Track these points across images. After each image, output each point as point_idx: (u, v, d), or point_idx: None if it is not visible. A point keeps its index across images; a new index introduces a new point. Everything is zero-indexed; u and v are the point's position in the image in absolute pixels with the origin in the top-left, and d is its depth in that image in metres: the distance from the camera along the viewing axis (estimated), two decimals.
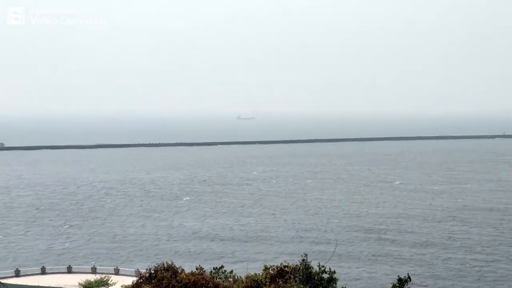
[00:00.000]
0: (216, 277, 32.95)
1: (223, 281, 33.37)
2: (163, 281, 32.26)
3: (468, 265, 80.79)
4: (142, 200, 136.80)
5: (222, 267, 34.15)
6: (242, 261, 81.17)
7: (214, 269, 33.96)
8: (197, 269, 33.80)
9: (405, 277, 23.64)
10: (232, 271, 34.07)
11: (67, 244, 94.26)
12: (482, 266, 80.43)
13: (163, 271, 33.33)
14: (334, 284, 27.77)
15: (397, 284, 23.48)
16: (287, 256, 78.82)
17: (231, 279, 33.53)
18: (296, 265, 28.36)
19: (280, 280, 28.43)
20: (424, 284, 73.73)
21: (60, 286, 63.10)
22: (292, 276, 28.34)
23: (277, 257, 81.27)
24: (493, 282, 74.46)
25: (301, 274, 27.81)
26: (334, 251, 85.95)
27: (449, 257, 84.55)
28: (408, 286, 23.47)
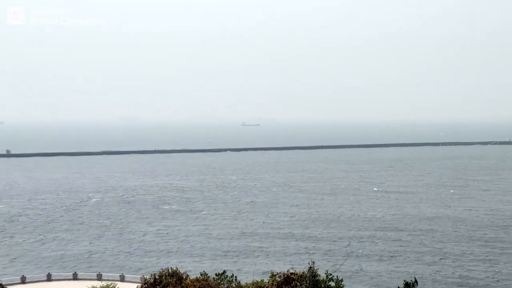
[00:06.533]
0: (220, 283, 32.94)
1: (227, 287, 33.35)
2: (168, 287, 32.22)
3: (472, 269, 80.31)
4: (148, 206, 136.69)
5: (224, 272, 34.14)
6: (248, 268, 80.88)
7: (216, 275, 33.94)
8: (201, 275, 33.76)
9: (411, 281, 23.61)
10: (233, 275, 34.03)
11: (73, 250, 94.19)
12: (486, 272, 79.96)
13: (168, 277, 33.27)
14: None
15: None
16: (295, 264, 78.70)
17: (234, 285, 33.53)
18: (303, 273, 28.32)
19: (286, 287, 28.40)
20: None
21: None
22: (298, 284, 28.30)
23: (284, 264, 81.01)
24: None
25: (307, 281, 27.76)
26: (345, 259, 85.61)
27: (455, 264, 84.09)
28: None
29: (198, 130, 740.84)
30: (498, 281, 76.57)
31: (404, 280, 23.70)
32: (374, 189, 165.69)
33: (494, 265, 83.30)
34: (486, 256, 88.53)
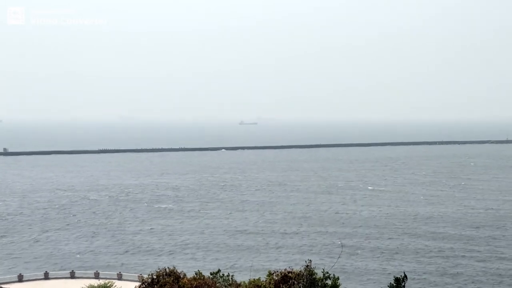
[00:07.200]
0: (216, 282, 32.82)
1: (225, 286, 33.22)
2: (165, 287, 32.12)
3: (464, 265, 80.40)
4: (144, 205, 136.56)
5: (219, 271, 34.00)
6: (244, 266, 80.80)
7: (211, 274, 33.81)
8: (196, 274, 33.62)
9: (401, 276, 23.52)
10: (229, 274, 33.92)
11: (70, 249, 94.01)
12: (481, 267, 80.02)
13: (165, 276, 33.19)
14: None
15: (394, 284, 23.32)
16: (291, 262, 78.46)
17: (230, 283, 33.41)
18: (300, 271, 28.18)
19: (283, 286, 28.26)
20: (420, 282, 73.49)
21: None
22: (295, 282, 28.17)
23: (278, 263, 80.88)
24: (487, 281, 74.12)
25: (304, 280, 27.63)
26: (339, 256, 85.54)
27: (452, 262, 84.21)
28: (404, 284, 23.30)
29: (196, 129, 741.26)
30: (488, 278, 76.64)
31: (394, 276, 23.58)
32: (369, 188, 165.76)
33: (486, 263, 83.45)
34: (480, 253, 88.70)
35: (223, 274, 33.37)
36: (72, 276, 70.37)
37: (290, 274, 28.55)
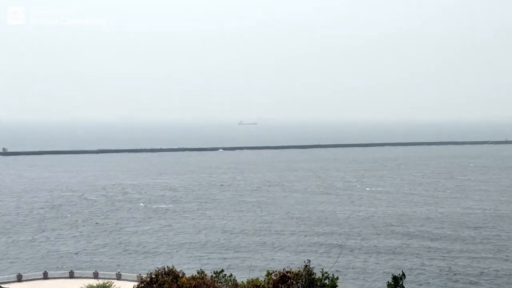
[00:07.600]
0: (217, 281, 32.93)
1: (225, 286, 33.34)
2: (164, 286, 32.21)
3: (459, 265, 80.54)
4: (142, 205, 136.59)
5: (222, 271, 34.14)
6: (245, 266, 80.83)
7: (214, 273, 33.91)
8: (198, 273, 33.73)
9: (399, 274, 23.61)
10: (231, 274, 34.02)
11: (69, 249, 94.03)
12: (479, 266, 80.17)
13: (164, 276, 33.28)
14: None
15: (392, 282, 23.43)
16: (290, 262, 78.60)
17: (231, 283, 33.53)
18: (299, 271, 28.28)
19: (282, 286, 28.35)
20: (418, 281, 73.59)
21: None
22: (294, 282, 28.26)
23: (274, 262, 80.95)
24: (481, 279, 74.24)
25: (303, 280, 27.71)
26: (338, 256, 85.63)
27: (447, 262, 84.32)
28: (402, 282, 23.40)
29: (196, 130, 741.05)
30: (486, 278, 76.76)
31: (392, 274, 23.68)
32: (367, 188, 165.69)
33: (484, 264, 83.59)
34: (478, 254, 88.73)
35: (225, 275, 33.52)
36: (71, 276, 70.41)
37: (288, 274, 28.65)
